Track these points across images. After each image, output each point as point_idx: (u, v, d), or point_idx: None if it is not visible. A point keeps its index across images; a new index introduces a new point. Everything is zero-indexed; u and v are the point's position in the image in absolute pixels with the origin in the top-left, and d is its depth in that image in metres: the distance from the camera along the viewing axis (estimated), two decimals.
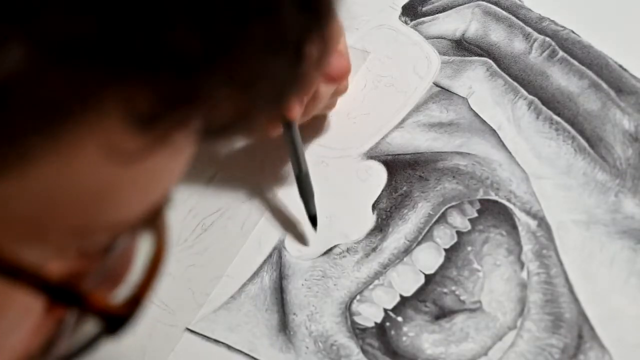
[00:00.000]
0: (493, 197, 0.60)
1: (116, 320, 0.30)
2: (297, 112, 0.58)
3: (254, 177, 0.63)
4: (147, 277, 0.31)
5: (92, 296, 0.29)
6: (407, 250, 0.59)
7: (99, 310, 0.29)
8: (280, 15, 0.26)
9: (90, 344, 0.31)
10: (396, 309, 0.57)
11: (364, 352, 0.56)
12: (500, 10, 0.69)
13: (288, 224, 0.61)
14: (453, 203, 0.60)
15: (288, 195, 0.62)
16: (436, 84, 0.66)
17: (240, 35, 0.26)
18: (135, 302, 0.31)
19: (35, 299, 0.28)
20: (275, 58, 0.27)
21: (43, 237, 0.27)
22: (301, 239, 0.60)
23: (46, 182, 0.25)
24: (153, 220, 0.31)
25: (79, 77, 0.24)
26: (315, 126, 0.63)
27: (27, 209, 0.26)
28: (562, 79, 0.65)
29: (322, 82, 0.59)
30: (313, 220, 0.60)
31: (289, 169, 0.63)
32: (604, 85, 0.64)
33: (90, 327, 0.31)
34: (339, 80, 0.60)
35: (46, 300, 0.28)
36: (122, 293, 0.32)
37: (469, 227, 0.59)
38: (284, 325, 0.57)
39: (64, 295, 0.28)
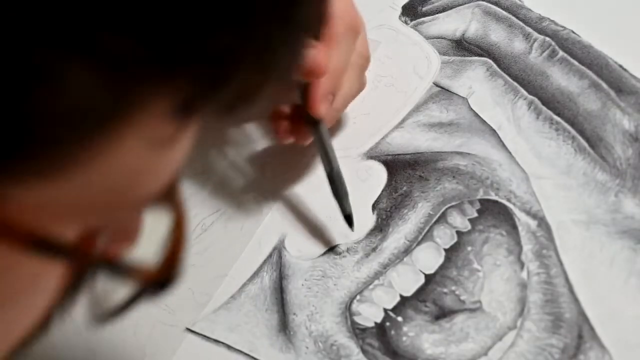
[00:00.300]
0: (493, 197, 0.60)
1: (158, 284, 0.32)
2: (323, 111, 0.58)
3: (254, 178, 0.63)
4: (176, 240, 0.33)
5: (135, 268, 0.31)
6: (407, 250, 0.59)
7: (145, 280, 0.32)
8: (296, 16, 0.29)
9: (128, 304, 0.34)
10: (396, 309, 0.57)
11: (364, 352, 0.56)
12: (500, 10, 0.69)
13: (289, 224, 0.61)
14: (453, 203, 0.60)
15: (288, 195, 0.62)
16: (436, 84, 0.66)
17: (267, 32, 0.29)
18: (171, 261, 0.33)
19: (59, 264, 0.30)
20: (285, 43, 0.30)
21: (82, 219, 0.29)
22: (304, 240, 0.60)
23: (91, 177, 0.27)
24: (171, 191, 0.33)
25: (131, 86, 0.26)
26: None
27: (72, 200, 0.28)
28: (562, 79, 0.65)
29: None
30: (349, 219, 0.58)
31: (290, 169, 0.63)
32: (604, 85, 0.64)
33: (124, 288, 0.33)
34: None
35: (87, 272, 0.31)
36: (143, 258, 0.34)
37: (469, 227, 0.59)
38: (284, 325, 0.57)
39: (109, 269, 0.31)
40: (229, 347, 0.57)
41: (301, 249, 0.60)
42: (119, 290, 0.33)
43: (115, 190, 0.29)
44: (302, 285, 0.58)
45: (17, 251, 0.28)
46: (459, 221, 0.60)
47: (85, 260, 0.30)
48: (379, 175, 0.62)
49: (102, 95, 0.25)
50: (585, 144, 0.62)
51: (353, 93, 0.62)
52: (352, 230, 0.59)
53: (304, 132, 0.60)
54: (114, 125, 0.26)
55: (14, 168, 0.25)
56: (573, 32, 0.67)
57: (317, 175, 0.61)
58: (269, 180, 0.63)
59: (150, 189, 0.31)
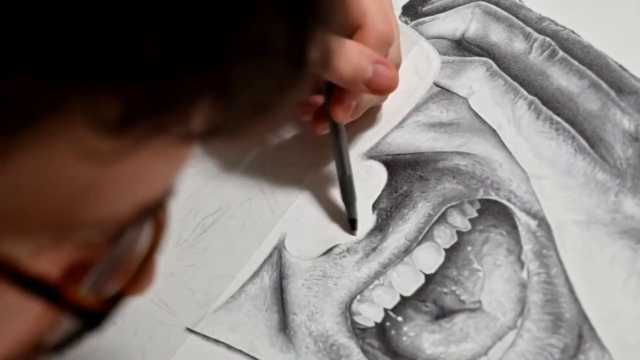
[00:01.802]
0: (493, 197, 0.60)
1: (93, 317, 0.30)
2: (343, 117, 0.59)
3: (254, 177, 0.63)
4: (135, 275, 0.31)
5: (67, 290, 0.29)
6: (407, 250, 0.59)
7: (74, 306, 0.29)
8: (253, 24, 0.26)
9: (70, 339, 0.32)
10: (396, 309, 0.57)
11: (364, 352, 0.56)
12: (500, 10, 0.69)
13: (289, 224, 0.61)
14: (453, 203, 0.60)
15: (289, 195, 0.62)
16: (436, 84, 0.66)
17: (209, 44, 0.25)
18: (115, 299, 0.31)
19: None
20: (255, 65, 0.27)
21: (26, 230, 0.27)
22: (304, 240, 0.60)
23: (26, 178, 0.26)
24: (151, 216, 0.31)
25: (43, 83, 0.24)
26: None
27: (9, 202, 0.26)
28: (562, 79, 0.65)
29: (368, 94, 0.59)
30: (353, 223, 0.60)
31: (288, 169, 0.63)
32: (604, 85, 0.64)
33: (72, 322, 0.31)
34: (384, 93, 0.60)
35: (22, 293, 0.28)
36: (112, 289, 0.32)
37: (469, 227, 0.59)
38: (284, 325, 0.57)
39: (39, 289, 0.28)
40: (229, 347, 0.57)
41: (301, 248, 0.60)
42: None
43: (57, 204, 0.27)
44: (302, 285, 0.58)
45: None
46: (459, 221, 0.60)
47: (44, 292, 0.28)
48: (379, 175, 0.62)
49: (9, 83, 0.24)
50: (585, 144, 0.62)
51: (375, 100, 0.62)
52: (355, 234, 0.60)
53: (323, 125, 0.61)
54: (32, 121, 0.25)
55: None
56: (573, 32, 0.67)
57: (317, 174, 0.61)
58: (269, 179, 0.63)
59: (109, 211, 0.28)
